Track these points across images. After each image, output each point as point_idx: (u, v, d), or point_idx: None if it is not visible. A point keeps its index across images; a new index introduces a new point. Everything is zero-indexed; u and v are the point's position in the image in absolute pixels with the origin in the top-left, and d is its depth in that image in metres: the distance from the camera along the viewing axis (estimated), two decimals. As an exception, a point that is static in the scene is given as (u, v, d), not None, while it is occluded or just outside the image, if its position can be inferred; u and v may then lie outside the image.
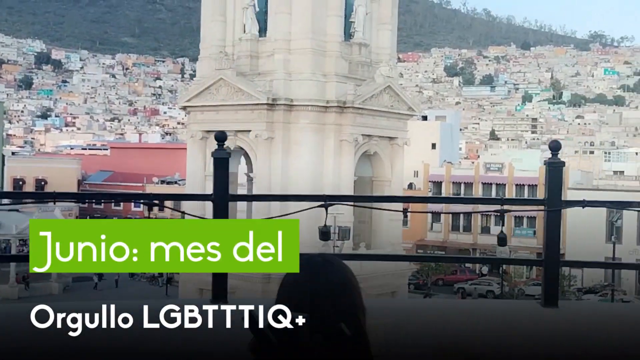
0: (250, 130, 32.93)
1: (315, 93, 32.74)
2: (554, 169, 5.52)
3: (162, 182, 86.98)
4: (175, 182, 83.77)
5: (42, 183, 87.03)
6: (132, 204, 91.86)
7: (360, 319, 2.48)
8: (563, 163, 5.55)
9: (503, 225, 6.31)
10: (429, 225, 67.23)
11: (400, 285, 35.53)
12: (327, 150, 33.02)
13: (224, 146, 5.86)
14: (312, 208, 6.39)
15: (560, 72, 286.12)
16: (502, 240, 6.57)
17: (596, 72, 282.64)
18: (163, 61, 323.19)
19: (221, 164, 5.76)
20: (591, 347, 4.62)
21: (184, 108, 36.22)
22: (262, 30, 34.22)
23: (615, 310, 6.54)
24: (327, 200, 6.30)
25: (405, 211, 38.31)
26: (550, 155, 5.64)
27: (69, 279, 55.65)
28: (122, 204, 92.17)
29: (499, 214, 5.86)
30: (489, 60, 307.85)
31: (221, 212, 5.58)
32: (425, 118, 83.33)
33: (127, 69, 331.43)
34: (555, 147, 5.67)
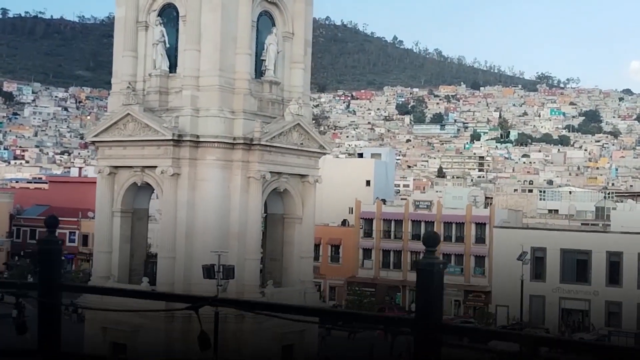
0: (156, 166, 32.66)
1: (222, 130, 32.63)
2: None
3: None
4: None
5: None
6: (67, 239, 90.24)
7: None
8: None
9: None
10: (360, 262, 67.37)
11: (309, 324, 35.24)
12: (234, 187, 32.85)
13: None
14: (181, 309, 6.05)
15: (508, 112, 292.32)
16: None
17: (543, 112, 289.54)
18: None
19: None
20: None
21: (93, 143, 35.89)
22: (173, 66, 34.15)
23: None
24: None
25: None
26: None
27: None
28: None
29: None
30: (440, 99, 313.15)
31: None
32: (361, 155, 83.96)
33: (80, 102, 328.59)
34: None
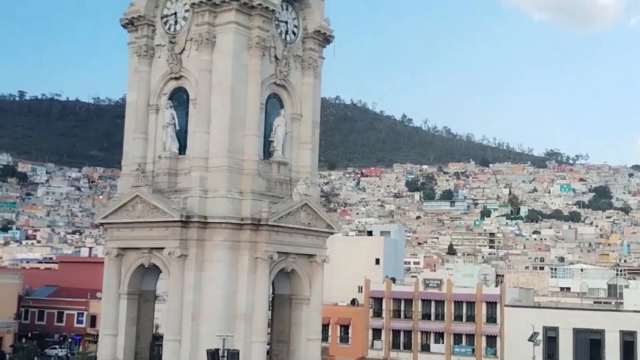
0: (164, 248, 32.67)
1: (230, 210, 32.69)
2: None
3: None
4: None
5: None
6: (75, 320, 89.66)
7: None
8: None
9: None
10: (370, 343, 66.36)
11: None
12: (241, 267, 32.71)
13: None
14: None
15: (518, 188, 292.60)
16: None
17: (552, 189, 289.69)
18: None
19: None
20: None
21: (102, 224, 36.05)
22: (182, 148, 34.59)
23: None
24: None
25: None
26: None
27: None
28: (65, 319, 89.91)
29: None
30: (449, 176, 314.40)
31: None
32: (370, 233, 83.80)
33: (93, 181, 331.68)
34: None
